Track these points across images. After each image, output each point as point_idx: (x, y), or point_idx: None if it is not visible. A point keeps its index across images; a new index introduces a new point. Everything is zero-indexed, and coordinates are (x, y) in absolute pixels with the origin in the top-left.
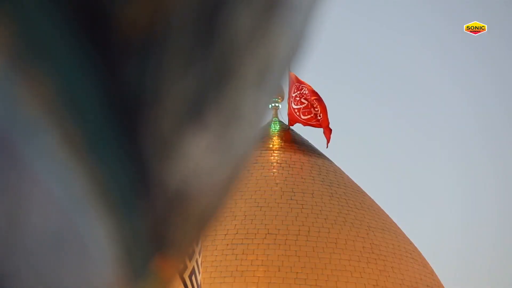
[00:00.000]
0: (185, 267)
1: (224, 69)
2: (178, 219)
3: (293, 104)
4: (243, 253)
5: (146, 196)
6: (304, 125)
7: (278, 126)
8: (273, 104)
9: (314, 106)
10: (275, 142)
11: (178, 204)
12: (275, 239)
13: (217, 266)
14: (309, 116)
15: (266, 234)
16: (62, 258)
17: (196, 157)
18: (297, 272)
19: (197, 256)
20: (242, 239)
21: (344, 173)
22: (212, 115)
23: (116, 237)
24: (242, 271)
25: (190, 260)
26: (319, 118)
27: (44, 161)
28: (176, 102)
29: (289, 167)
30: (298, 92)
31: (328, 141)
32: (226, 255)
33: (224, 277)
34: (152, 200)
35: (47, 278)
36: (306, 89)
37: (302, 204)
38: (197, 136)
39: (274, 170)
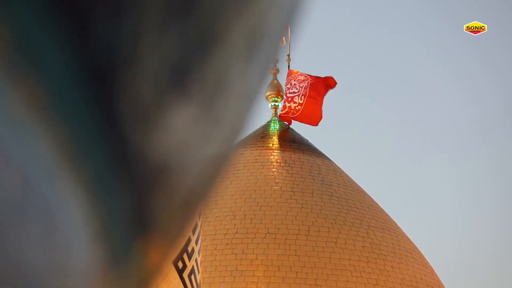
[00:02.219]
0: (185, 266)
1: (208, 33)
2: (161, 198)
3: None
4: (242, 253)
5: (124, 169)
6: (299, 121)
7: (278, 125)
8: (272, 104)
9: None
10: (275, 141)
11: (161, 181)
12: (274, 238)
13: (216, 266)
14: (285, 111)
15: (265, 233)
16: (26, 231)
17: (180, 130)
18: (296, 272)
19: (197, 255)
20: (242, 238)
21: (344, 173)
22: (196, 84)
23: (91, 213)
24: (242, 270)
25: (190, 259)
26: (300, 101)
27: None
28: (155, 65)
29: (289, 166)
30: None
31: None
32: (226, 254)
33: (224, 276)
34: (131, 174)
35: (8, 253)
36: (296, 80)
37: (301, 204)
38: (180, 106)
39: (274, 170)
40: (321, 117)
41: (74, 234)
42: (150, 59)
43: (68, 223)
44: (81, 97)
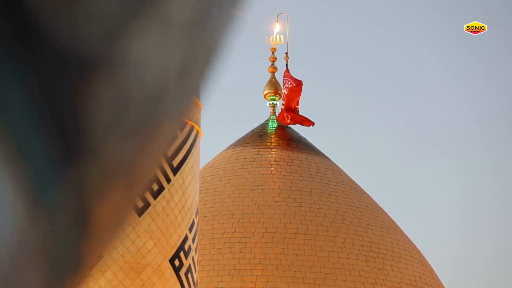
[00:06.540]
0: (181, 264)
1: None
2: (92, 103)
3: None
4: (240, 252)
5: (29, 50)
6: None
7: (276, 124)
8: (270, 102)
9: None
10: (273, 140)
11: (88, 77)
12: (273, 237)
13: (214, 265)
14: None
15: (264, 232)
16: None
17: (117, 17)
18: (295, 271)
19: (194, 253)
20: (240, 237)
21: (343, 171)
22: None
23: None
24: (240, 269)
25: (186, 257)
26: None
27: None
28: None
29: (287, 165)
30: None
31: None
32: (224, 253)
33: (222, 275)
34: (41, 59)
35: None
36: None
37: (300, 203)
38: None
39: (272, 168)
40: (297, 118)
41: None
42: None
43: None
44: None
